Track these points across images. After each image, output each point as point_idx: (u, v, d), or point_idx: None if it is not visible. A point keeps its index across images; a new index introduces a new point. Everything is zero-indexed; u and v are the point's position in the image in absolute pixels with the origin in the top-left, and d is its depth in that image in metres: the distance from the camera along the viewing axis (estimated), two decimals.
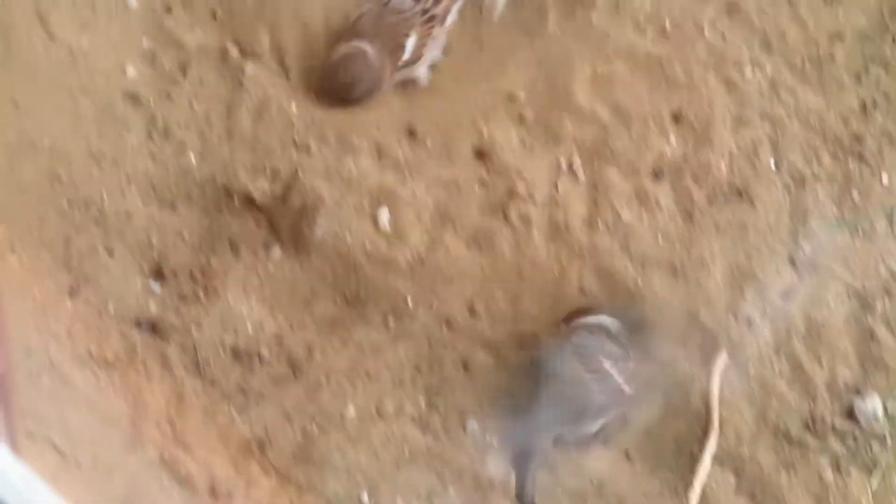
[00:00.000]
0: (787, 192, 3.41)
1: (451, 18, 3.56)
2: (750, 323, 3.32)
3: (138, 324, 3.39)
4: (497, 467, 3.28)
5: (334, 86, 3.48)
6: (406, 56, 3.48)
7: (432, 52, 3.54)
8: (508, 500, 3.25)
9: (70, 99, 3.51)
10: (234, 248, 3.41)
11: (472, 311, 3.36)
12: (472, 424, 3.32)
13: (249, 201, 3.43)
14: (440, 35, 3.54)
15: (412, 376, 3.35)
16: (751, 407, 3.31)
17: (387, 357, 3.36)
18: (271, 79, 3.54)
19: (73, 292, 3.37)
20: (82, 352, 3.30)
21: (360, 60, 3.44)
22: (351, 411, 3.33)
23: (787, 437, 3.29)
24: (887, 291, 3.36)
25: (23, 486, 2.82)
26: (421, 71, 3.54)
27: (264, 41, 3.57)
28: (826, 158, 3.44)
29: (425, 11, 3.50)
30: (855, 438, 3.28)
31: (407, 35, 3.49)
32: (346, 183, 3.43)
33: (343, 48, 3.46)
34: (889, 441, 3.27)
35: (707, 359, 3.30)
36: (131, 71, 3.55)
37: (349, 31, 3.51)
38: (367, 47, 3.44)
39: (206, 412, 3.33)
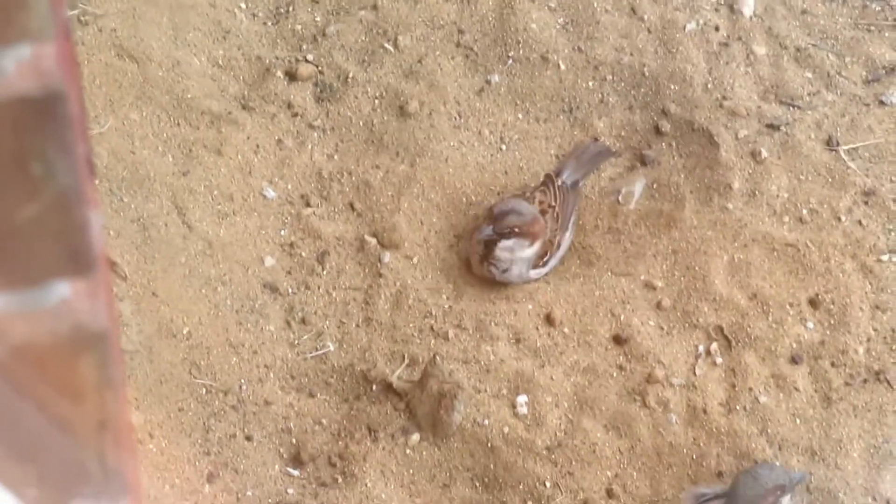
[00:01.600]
0: None
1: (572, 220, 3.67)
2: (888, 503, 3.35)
3: None
4: None
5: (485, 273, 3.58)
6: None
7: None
8: None
9: (209, 289, 3.57)
10: (373, 434, 3.43)
11: (610, 494, 3.38)
12: None
13: (388, 387, 3.47)
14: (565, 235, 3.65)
15: None
16: None
17: None
18: (409, 268, 3.62)
19: (211, 478, 3.39)
20: None
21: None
22: None
23: None
24: None
25: None
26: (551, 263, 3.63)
27: (402, 231, 3.66)
28: None
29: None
30: None
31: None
32: (483, 369, 3.49)
33: (498, 252, 3.56)
34: None
35: None
36: (269, 261, 3.63)
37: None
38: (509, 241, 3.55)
39: None
